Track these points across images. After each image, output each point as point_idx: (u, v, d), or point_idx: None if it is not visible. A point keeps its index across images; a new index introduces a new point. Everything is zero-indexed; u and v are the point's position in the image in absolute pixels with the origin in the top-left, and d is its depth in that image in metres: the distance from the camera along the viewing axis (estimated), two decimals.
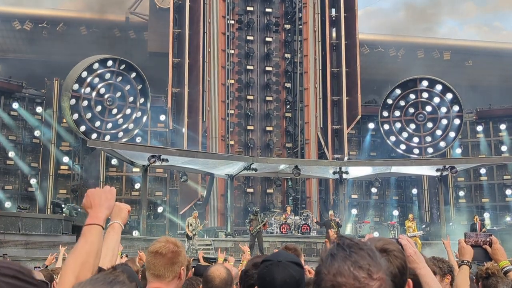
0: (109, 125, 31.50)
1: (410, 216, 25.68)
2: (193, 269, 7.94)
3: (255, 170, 27.24)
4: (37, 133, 32.35)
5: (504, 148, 35.48)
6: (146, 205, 28.22)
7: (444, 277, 5.05)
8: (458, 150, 35.90)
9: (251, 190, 32.75)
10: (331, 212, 24.74)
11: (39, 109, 32.59)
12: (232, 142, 32.78)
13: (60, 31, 39.60)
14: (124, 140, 31.10)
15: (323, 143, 33.32)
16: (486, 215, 34.26)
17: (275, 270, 2.49)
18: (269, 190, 33.13)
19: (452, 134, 34.22)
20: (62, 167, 32.81)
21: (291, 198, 33.06)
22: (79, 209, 25.84)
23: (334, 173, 28.79)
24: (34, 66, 35.48)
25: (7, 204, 30.64)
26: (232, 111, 33.19)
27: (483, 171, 35.21)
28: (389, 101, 34.62)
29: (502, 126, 35.81)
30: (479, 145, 36.32)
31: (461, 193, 35.70)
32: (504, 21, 68.41)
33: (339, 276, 1.61)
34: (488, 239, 3.92)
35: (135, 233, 28.43)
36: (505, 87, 41.56)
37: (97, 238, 2.39)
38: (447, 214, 31.92)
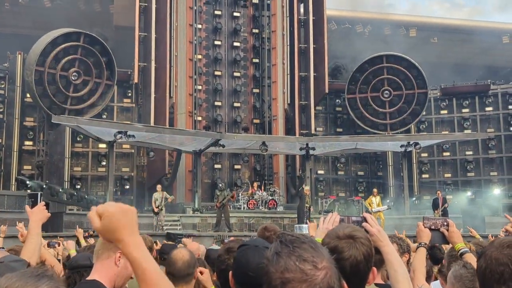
0: (74, 100, 31.07)
1: (375, 190, 25.93)
2: (160, 246, 8.04)
3: (223, 146, 27.30)
4: (0, 108, 31.70)
5: (467, 124, 36.22)
6: (113, 182, 28.06)
7: (402, 255, 5.28)
8: (422, 126, 36.52)
9: (218, 166, 32.84)
10: (307, 187, 25.02)
11: (1, 84, 31.89)
12: (199, 118, 32.72)
13: (23, 3, 38.60)
14: (89, 115, 30.73)
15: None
16: (448, 190, 35.08)
17: (251, 254, 2.53)
18: (237, 166, 33.28)
19: (416, 111, 34.76)
20: (27, 142, 32.32)
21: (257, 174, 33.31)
22: (44, 186, 25.54)
23: (301, 149, 29.03)
24: None
25: None
26: (199, 87, 33.05)
27: (446, 147, 35.95)
28: (356, 77, 34.89)
29: (466, 103, 36.49)
30: (443, 122, 37.00)
31: (425, 169, 36.42)
32: None
33: (286, 272, 1.70)
34: (445, 223, 4.06)
35: None
36: (469, 64, 42.26)
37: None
38: (411, 189, 32.59)
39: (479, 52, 42.88)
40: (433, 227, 4.03)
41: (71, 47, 30.57)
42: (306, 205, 23.61)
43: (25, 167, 32.11)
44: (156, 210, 22.54)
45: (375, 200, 24.76)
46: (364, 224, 3.04)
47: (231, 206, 25.26)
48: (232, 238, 9.14)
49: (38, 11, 38.06)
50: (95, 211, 1.86)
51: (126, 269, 3.07)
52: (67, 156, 30.63)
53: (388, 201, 30.99)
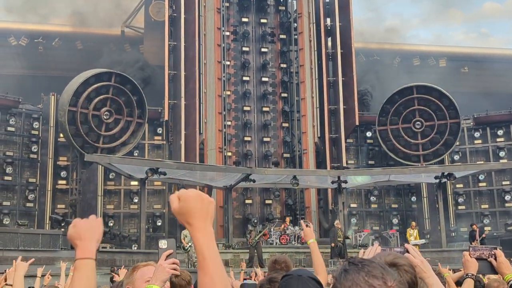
0: (106, 139, 31.47)
1: (413, 223, 25.55)
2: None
3: (253, 181, 27.20)
4: (34, 148, 32.30)
5: (502, 153, 35.48)
6: (145, 219, 28.14)
7: None
8: (456, 157, 35.91)
9: (249, 201, 32.69)
10: (337, 221, 24.74)
11: (36, 125, 32.55)
12: (229, 154, 32.75)
13: (56, 46, 39.65)
14: (121, 153, 31.05)
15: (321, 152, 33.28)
16: (486, 221, 34.26)
17: (295, 284, 2.52)
18: (268, 201, 33.07)
19: (449, 141, 34.24)
20: (60, 181, 32.74)
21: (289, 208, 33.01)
22: None
23: (333, 182, 28.76)
24: (30, 81, 35.49)
25: (6, 220, 30.53)
26: (229, 123, 33.19)
27: (481, 177, 35.21)
28: (386, 109, 34.64)
29: (500, 132, 35.84)
30: (477, 151, 36.34)
31: (460, 200, 35.65)
32: (490, 27, 69.45)
33: (354, 286, 1.65)
34: (493, 252, 3.86)
35: (135, 247, 28.32)
36: (501, 93, 41.69)
37: (92, 273, 2.36)
38: (447, 221, 31.87)
39: (510, 80, 42.35)
40: (480, 257, 3.85)
41: (103, 87, 31.11)
42: (339, 239, 23.28)
43: (58, 205, 32.46)
44: (186, 246, 22.53)
45: (412, 233, 24.35)
46: (406, 255, 2.92)
47: (263, 242, 25.01)
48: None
49: (71, 53, 39.04)
50: (176, 194, 1.97)
51: None
52: (100, 194, 30.88)
53: (424, 233, 30.35)
